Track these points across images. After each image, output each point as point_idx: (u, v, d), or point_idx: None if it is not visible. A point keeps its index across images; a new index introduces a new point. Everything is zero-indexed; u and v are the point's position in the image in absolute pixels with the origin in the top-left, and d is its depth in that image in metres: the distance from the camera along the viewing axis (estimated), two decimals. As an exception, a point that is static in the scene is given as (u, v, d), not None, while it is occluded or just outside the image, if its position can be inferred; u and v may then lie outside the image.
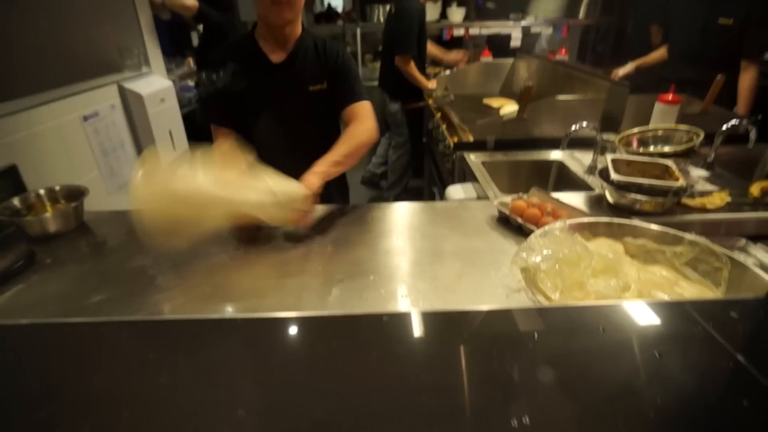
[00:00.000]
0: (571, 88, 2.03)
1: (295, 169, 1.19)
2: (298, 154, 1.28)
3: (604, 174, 1.31)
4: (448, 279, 0.93)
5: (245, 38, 1.24)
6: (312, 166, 1.13)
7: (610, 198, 1.26)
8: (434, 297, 0.87)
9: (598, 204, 1.31)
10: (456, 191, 1.51)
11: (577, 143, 1.65)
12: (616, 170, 1.26)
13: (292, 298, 0.87)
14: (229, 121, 1.29)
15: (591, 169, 1.54)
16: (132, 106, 1.76)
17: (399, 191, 3.27)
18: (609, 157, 1.30)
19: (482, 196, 1.44)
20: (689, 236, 0.83)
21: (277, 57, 1.23)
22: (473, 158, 1.65)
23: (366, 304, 0.85)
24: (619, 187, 1.22)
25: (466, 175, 1.68)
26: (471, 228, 1.15)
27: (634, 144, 1.50)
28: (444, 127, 2.04)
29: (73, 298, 0.89)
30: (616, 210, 1.25)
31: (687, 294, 0.75)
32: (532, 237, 0.83)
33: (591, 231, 0.93)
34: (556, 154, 1.72)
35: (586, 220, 0.92)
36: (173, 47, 3.20)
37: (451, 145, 1.80)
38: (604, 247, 0.85)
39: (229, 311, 0.84)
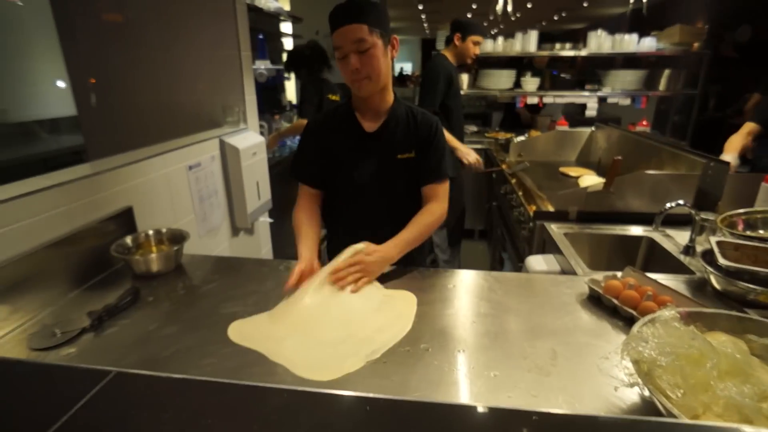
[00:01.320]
0: (658, 162, 1.95)
1: (375, 230, 1.24)
2: (381, 217, 1.32)
3: (707, 257, 1.21)
4: (540, 359, 0.87)
5: (344, 106, 1.32)
6: (386, 236, 1.20)
7: (716, 284, 1.15)
8: (529, 378, 0.81)
9: (700, 290, 1.20)
10: (537, 262, 1.46)
11: (668, 220, 1.55)
12: (723, 254, 1.16)
13: (378, 365, 0.86)
14: (316, 180, 1.34)
15: (688, 249, 1.43)
16: (228, 158, 1.92)
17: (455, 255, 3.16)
18: (714, 239, 1.21)
19: (567, 270, 1.37)
20: (834, 342, 0.72)
21: (370, 126, 1.29)
22: (555, 229, 1.60)
23: (458, 380, 0.81)
24: (728, 274, 1.12)
25: (546, 245, 1.63)
26: (559, 304, 1.09)
27: (740, 226, 1.38)
28: (520, 194, 2.02)
29: (172, 338, 0.93)
30: (724, 298, 1.14)
31: (840, 413, 0.64)
32: (641, 326, 0.77)
33: (705, 323, 0.84)
34: (641, 230, 1.63)
35: (701, 310, 0.84)
36: (264, 106, 3.52)
37: (530, 213, 1.76)
38: (726, 344, 0.76)
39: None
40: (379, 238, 1.20)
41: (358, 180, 1.31)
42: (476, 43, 2.65)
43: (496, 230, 2.87)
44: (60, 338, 0.90)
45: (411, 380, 0.81)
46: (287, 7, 5.05)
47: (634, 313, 0.99)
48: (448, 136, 2.67)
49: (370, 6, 1.16)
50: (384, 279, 1.18)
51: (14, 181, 1.12)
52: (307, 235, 1.23)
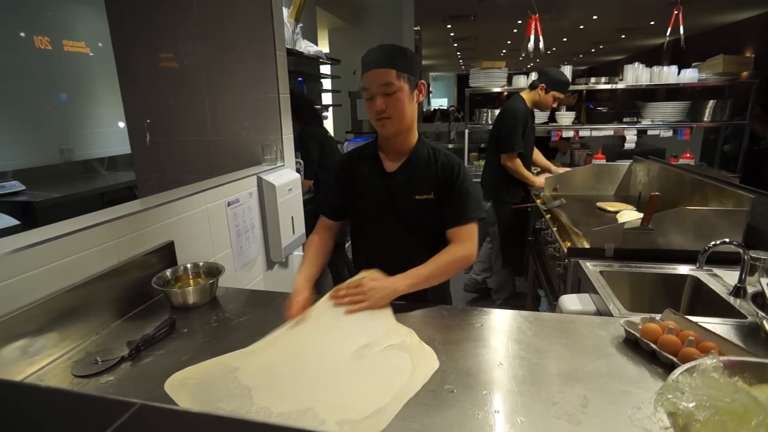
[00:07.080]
0: (702, 196, 1.86)
1: (398, 268, 1.24)
2: (404, 255, 1.31)
3: (758, 300, 1.13)
4: (569, 405, 0.83)
5: (370, 145, 1.37)
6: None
7: (769, 331, 1.07)
8: (558, 426, 0.77)
9: (752, 336, 1.11)
10: (572, 301, 1.40)
11: (716, 259, 1.46)
12: (776, 298, 1.08)
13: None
14: (334, 213, 1.41)
15: (738, 291, 1.34)
16: (265, 194, 2.01)
17: (507, 295, 3.16)
18: (765, 280, 1.13)
19: (603, 310, 1.32)
20: None
21: (391, 165, 1.32)
22: (590, 266, 1.55)
23: (483, 425, 0.79)
24: (782, 319, 1.04)
25: (581, 283, 1.57)
26: (592, 347, 1.04)
27: (795, 267, 1.29)
28: (555, 229, 1.98)
29: (200, 371, 0.97)
30: (779, 346, 1.05)
31: None
32: (678, 375, 0.72)
33: (754, 374, 0.78)
34: (687, 269, 1.54)
35: (749, 359, 0.79)
36: (298, 144, 3.68)
37: (565, 249, 1.71)
38: (776, 398, 0.70)
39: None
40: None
41: (379, 218, 1.34)
42: (556, 99, 2.79)
43: (531, 266, 2.80)
44: (100, 366, 0.96)
45: (434, 423, 0.80)
46: (326, 50, 5.32)
47: (675, 359, 0.93)
48: (525, 174, 2.78)
49: (399, 52, 1.22)
50: (407, 318, 1.18)
51: (75, 214, 1.23)
52: (311, 263, 1.30)
